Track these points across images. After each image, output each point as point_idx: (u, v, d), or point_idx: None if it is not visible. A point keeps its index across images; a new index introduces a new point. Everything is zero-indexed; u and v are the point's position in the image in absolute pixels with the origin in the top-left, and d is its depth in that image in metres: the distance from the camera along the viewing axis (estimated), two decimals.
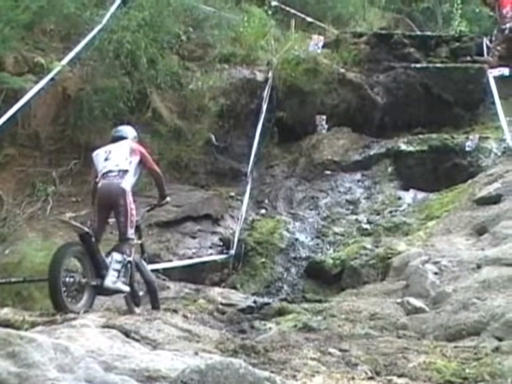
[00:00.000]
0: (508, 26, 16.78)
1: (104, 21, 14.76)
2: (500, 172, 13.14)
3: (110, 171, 8.76)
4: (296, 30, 18.51)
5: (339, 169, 15.86)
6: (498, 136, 15.28)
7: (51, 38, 14.86)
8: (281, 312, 9.91)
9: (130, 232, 8.70)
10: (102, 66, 14.60)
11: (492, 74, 16.28)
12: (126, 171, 8.76)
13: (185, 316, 8.64)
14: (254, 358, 6.49)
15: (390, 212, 14.04)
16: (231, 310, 10.27)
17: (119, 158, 8.84)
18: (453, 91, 17.28)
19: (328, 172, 15.79)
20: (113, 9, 15.24)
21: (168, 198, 9.58)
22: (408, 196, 14.63)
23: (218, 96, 15.93)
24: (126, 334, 6.62)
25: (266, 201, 15.28)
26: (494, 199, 12.05)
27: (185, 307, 9.84)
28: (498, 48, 17.01)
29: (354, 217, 14.15)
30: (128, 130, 9.45)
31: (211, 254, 13.23)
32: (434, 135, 15.98)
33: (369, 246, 12.30)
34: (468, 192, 13.06)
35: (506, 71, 16.37)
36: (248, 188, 14.65)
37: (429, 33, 20.61)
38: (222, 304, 10.66)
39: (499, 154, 14.76)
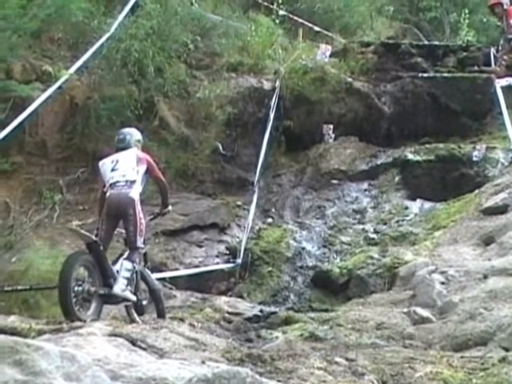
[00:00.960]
0: None
1: (112, 29, 14.81)
2: (507, 182, 13.11)
3: (117, 181, 8.78)
4: (303, 39, 18.50)
5: (346, 178, 15.83)
6: (505, 146, 15.23)
7: (59, 46, 14.91)
8: (287, 321, 9.88)
9: (140, 241, 8.74)
10: (110, 74, 14.65)
11: (499, 83, 16.25)
12: (133, 181, 8.77)
13: (191, 325, 8.63)
14: (261, 367, 6.48)
15: (397, 222, 14.01)
16: (238, 319, 10.24)
17: (126, 169, 8.84)
18: (460, 101, 17.23)
19: (335, 181, 15.77)
20: (121, 17, 15.29)
21: (170, 207, 9.60)
22: (415, 206, 14.59)
23: (225, 105, 15.93)
24: (133, 342, 6.62)
25: (273, 210, 15.26)
26: (500, 209, 12.03)
27: (191, 316, 9.82)
28: (505, 58, 16.98)
29: (361, 226, 14.11)
30: (132, 135, 9.28)
31: (218, 263, 13.23)
32: (441, 145, 15.95)
33: (375, 256, 12.26)
34: (475, 202, 13.02)
35: None
36: (255, 197, 14.62)
37: (436, 42, 20.58)
38: (228, 313, 10.63)
39: (506, 164, 14.73)
